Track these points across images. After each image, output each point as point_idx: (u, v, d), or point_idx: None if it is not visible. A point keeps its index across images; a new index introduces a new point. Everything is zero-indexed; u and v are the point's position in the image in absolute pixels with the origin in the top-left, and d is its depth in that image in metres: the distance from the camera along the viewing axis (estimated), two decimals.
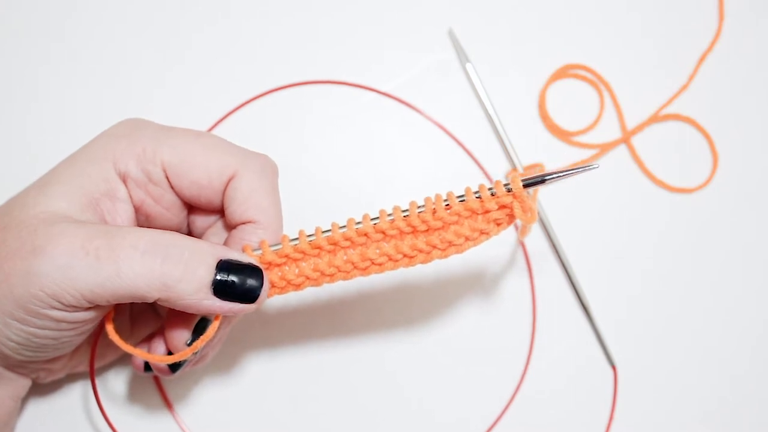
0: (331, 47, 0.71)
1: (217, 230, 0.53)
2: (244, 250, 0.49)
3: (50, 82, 0.69)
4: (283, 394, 0.64)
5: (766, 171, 0.71)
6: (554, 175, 0.49)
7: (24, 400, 0.60)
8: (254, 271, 0.47)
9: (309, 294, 0.65)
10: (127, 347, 0.48)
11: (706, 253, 0.70)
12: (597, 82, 0.72)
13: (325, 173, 0.69)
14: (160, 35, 0.70)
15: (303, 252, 0.49)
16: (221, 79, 0.70)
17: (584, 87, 0.72)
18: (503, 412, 0.65)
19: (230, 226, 0.51)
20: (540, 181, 0.49)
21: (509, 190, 0.49)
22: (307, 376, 0.65)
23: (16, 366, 0.51)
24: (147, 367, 0.53)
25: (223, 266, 0.46)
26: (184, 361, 0.51)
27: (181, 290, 0.45)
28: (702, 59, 0.73)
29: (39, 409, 0.61)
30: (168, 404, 0.63)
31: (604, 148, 0.71)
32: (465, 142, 0.70)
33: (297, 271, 0.49)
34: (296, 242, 0.49)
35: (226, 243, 0.51)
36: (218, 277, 0.46)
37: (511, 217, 0.50)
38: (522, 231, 0.54)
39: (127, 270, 0.43)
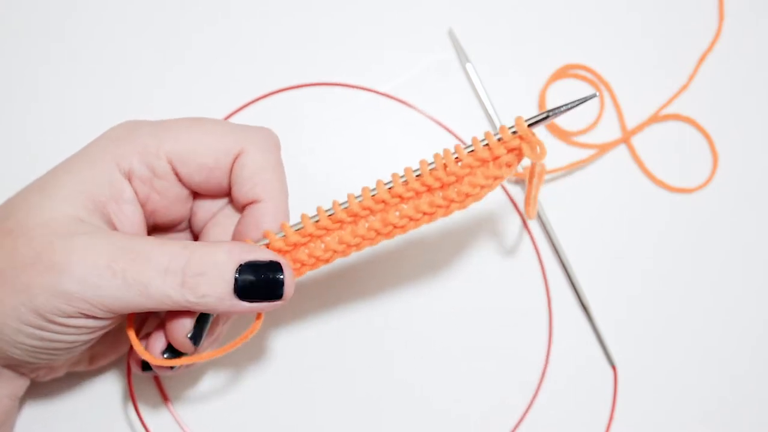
0: (332, 47, 0.71)
1: (220, 220, 0.53)
2: (265, 236, 0.49)
3: (50, 82, 0.69)
4: (285, 391, 0.64)
5: (767, 171, 0.71)
6: (556, 110, 0.50)
7: (22, 400, 0.60)
8: (275, 268, 0.47)
9: (307, 287, 0.65)
10: (145, 354, 0.49)
11: (706, 253, 0.70)
12: (597, 82, 0.72)
13: (328, 175, 0.69)
14: (160, 35, 0.70)
15: (326, 228, 0.50)
16: (221, 80, 0.70)
17: (584, 87, 0.72)
18: (521, 420, 0.65)
19: (238, 208, 0.52)
20: (544, 118, 0.50)
21: (514, 133, 0.50)
22: (307, 375, 0.65)
23: (16, 365, 0.51)
24: (145, 366, 0.52)
25: (244, 269, 0.46)
26: (182, 356, 0.51)
27: (206, 303, 0.45)
28: (702, 59, 0.73)
29: (38, 410, 0.61)
30: (166, 401, 0.63)
31: (604, 147, 0.71)
32: (465, 142, 0.70)
33: (323, 246, 0.50)
34: (316, 219, 0.50)
35: (238, 228, 0.51)
36: (240, 283, 0.46)
37: (520, 157, 0.50)
38: (532, 172, 0.54)
39: (154, 291, 0.44)
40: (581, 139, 0.71)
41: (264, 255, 0.47)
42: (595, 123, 0.71)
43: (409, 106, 0.70)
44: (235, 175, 0.50)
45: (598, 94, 0.52)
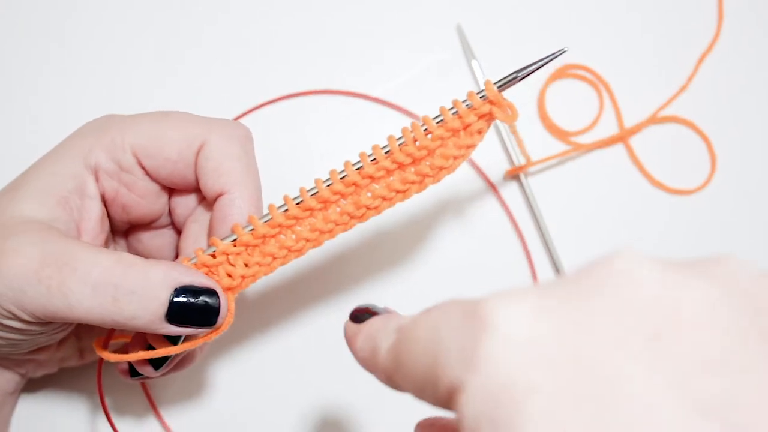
0: (334, 54, 0.71)
1: (198, 216, 0.52)
2: (233, 230, 0.47)
3: (50, 83, 0.69)
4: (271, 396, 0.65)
5: (765, 173, 0.71)
6: (526, 70, 0.49)
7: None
8: (211, 294, 0.46)
9: (289, 291, 0.66)
10: (102, 351, 0.48)
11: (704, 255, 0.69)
12: (596, 83, 0.72)
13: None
14: (161, 36, 0.71)
15: (296, 217, 0.48)
16: (223, 86, 0.70)
17: (583, 87, 0.72)
18: None
19: (209, 204, 0.50)
20: (512, 79, 0.49)
21: (484, 98, 0.48)
22: (288, 375, 0.65)
23: None
24: (133, 373, 0.51)
25: (179, 293, 0.45)
26: (167, 358, 0.50)
27: (133, 326, 0.44)
28: (701, 60, 0.72)
29: (32, 408, 0.62)
30: (155, 410, 0.63)
31: (601, 144, 0.70)
32: None
33: (294, 236, 0.48)
34: (285, 208, 0.48)
35: (210, 224, 0.50)
36: (172, 307, 0.44)
37: (491, 121, 0.49)
38: (514, 132, 0.53)
39: (77, 306, 0.43)
40: (579, 139, 0.71)
41: (201, 280, 0.46)
42: (594, 123, 0.71)
43: (406, 112, 0.70)
44: (199, 167, 0.49)
45: (567, 49, 0.51)
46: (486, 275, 0.68)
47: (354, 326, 0.39)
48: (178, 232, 0.55)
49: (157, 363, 0.50)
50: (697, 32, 0.73)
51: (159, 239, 0.55)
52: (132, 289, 0.43)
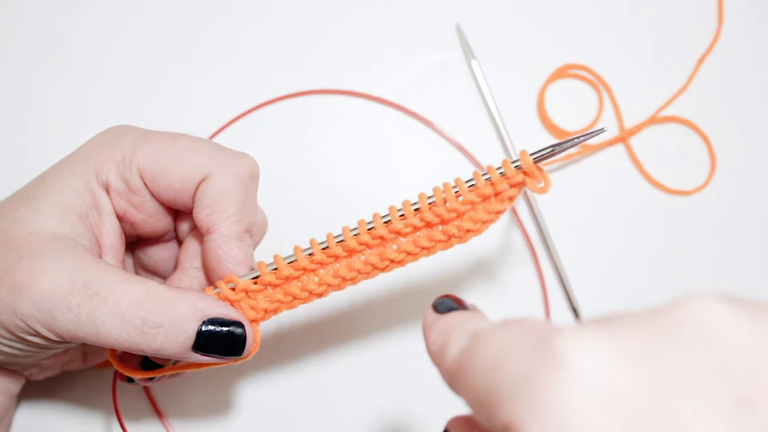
0: (334, 54, 0.71)
1: (197, 234, 0.52)
2: (258, 267, 0.48)
3: (51, 86, 0.69)
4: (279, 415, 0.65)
5: (764, 174, 0.71)
6: (563, 145, 0.48)
7: (19, 398, 0.61)
8: (238, 327, 0.46)
9: (300, 310, 0.65)
10: (118, 364, 0.48)
11: (703, 256, 0.69)
12: (596, 83, 0.72)
13: (330, 182, 0.69)
14: (162, 39, 0.71)
15: (320, 263, 0.48)
16: (224, 85, 0.70)
17: (583, 87, 0.72)
18: None
19: (201, 232, 0.50)
20: (550, 153, 0.48)
21: (518, 167, 0.48)
22: (300, 392, 0.65)
23: (5, 363, 0.51)
24: (129, 378, 0.51)
25: (206, 325, 0.45)
26: (161, 367, 0.50)
27: (161, 355, 0.45)
28: (701, 61, 0.72)
29: (35, 410, 0.62)
30: (159, 413, 0.63)
31: (601, 145, 0.70)
32: (464, 143, 0.70)
33: (317, 279, 0.48)
34: (310, 252, 0.48)
35: (203, 258, 0.50)
36: (199, 339, 0.45)
37: (521, 188, 0.49)
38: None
39: (107, 335, 0.43)
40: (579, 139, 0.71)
41: (228, 312, 0.46)
42: (594, 123, 0.71)
43: (411, 113, 0.71)
44: (196, 198, 0.49)
45: (606, 129, 0.50)
46: (492, 276, 0.68)
47: (433, 315, 0.37)
48: (180, 245, 0.55)
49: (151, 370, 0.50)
50: (697, 33, 0.73)
51: (164, 252, 0.56)
52: (159, 324, 0.44)
